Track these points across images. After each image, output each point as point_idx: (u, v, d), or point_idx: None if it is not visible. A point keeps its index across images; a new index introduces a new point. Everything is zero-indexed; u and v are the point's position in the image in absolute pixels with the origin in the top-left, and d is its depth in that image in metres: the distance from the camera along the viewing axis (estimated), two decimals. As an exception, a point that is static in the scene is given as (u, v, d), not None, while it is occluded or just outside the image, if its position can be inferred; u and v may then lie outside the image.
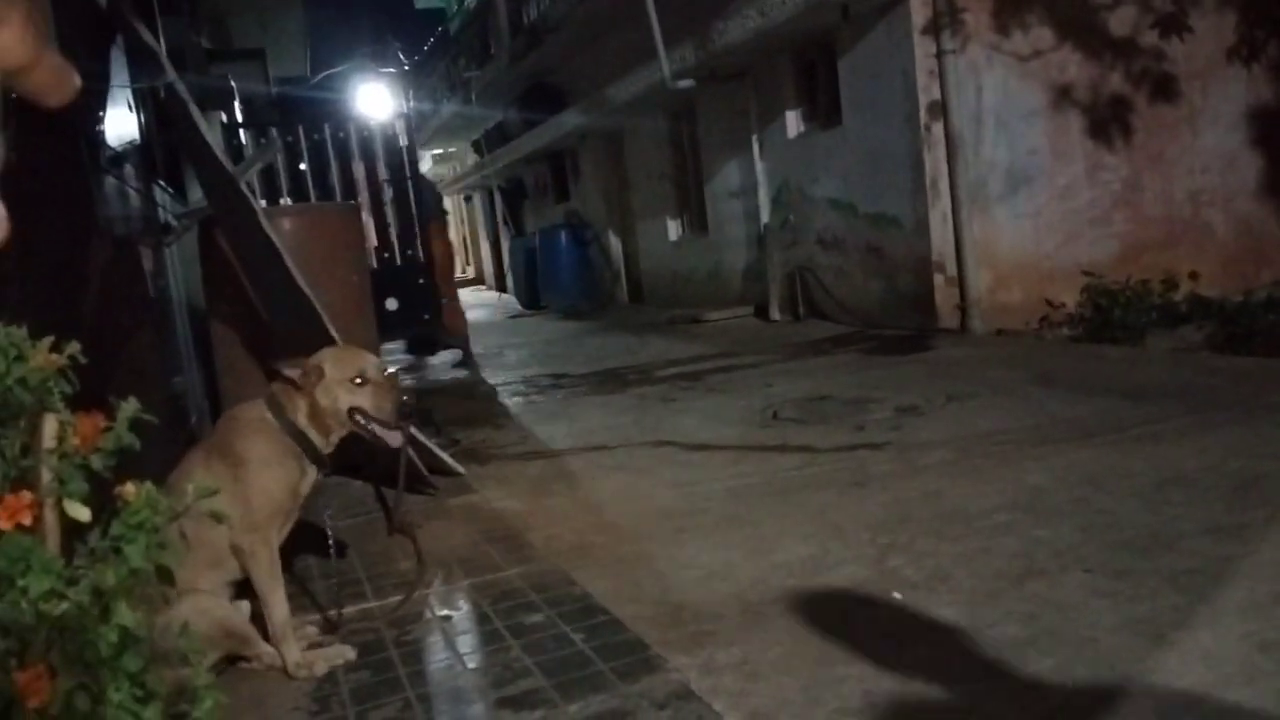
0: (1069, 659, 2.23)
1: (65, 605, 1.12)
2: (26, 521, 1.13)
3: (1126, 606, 2.48)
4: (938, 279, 7.86)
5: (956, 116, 7.65)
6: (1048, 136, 7.98)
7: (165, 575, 1.17)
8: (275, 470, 2.58)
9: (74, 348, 1.19)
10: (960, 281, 7.78)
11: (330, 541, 2.95)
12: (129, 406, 1.19)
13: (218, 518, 1.45)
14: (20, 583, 1.10)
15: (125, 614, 1.11)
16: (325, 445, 2.67)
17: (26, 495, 1.12)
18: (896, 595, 2.71)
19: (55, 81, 0.45)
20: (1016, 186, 7.94)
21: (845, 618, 2.64)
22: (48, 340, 1.18)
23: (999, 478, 3.76)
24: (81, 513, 1.15)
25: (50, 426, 1.16)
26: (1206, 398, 4.72)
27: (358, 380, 2.63)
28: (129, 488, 1.15)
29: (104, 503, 1.16)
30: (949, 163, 7.72)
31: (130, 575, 1.12)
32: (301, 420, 2.61)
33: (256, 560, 2.55)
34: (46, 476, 1.16)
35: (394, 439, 2.70)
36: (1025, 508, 3.36)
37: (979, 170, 7.81)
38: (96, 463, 1.17)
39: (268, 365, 2.81)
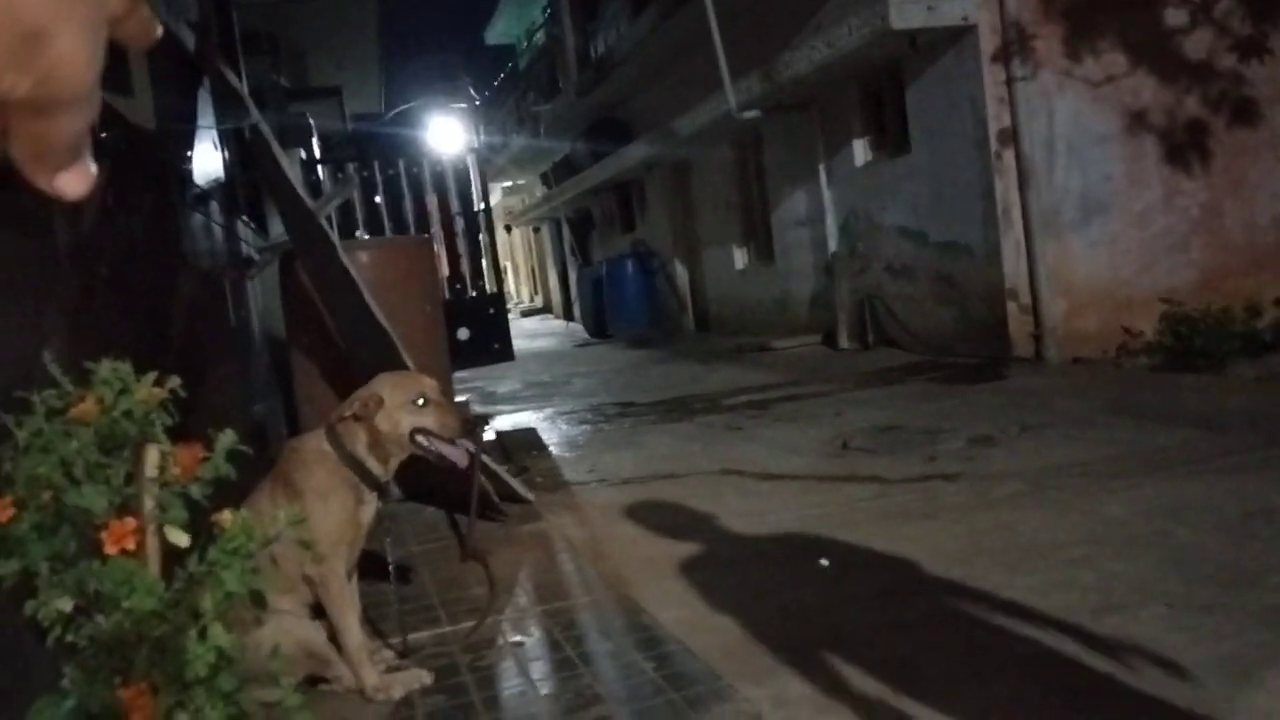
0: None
1: (165, 626, 1.17)
2: (130, 547, 1.19)
3: (1210, 643, 2.41)
4: (1011, 307, 7.74)
5: (1028, 143, 7.56)
6: (1123, 162, 7.84)
7: (258, 599, 1.22)
8: (332, 501, 2.61)
9: (174, 382, 1.26)
10: (1035, 309, 7.66)
11: (391, 568, 3.00)
12: (226, 439, 1.25)
13: (305, 545, 1.50)
14: (125, 604, 1.17)
15: (221, 635, 1.17)
16: (384, 473, 2.70)
17: (131, 522, 1.19)
18: (823, 561, 2.66)
19: (144, 31, 0.50)
20: (1091, 213, 7.81)
21: (919, 649, 2.61)
22: (151, 375, 1.25)
23: (1075, 510, 3.68)
24: (181, 539, 1.21)
25: (153, 456, 1.22)
26: (1294, 428, 4.58)
27: (419, 401, 2.66)
28: (226, 515, 1.21)
29: (201, 529, 1.22)
30: (1021, 190, 7.62)
31: (226, 598, 1.18)
32: (360, 450, 2.64)
33: (327, 589, 2.61)
34: (149, 504, 1.22)
35: (459, 457, 2.71)
36: (1103, 540, 3.29)
37: (1052, 197, 7.70)
38: (195, 491, 1.23)
39: (326, 415, 2.82)
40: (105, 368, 1.20)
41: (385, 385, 2.69)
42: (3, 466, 1.31)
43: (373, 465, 2.66)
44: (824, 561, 2.66)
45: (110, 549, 1.16)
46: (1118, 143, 7.81)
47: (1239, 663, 2.29)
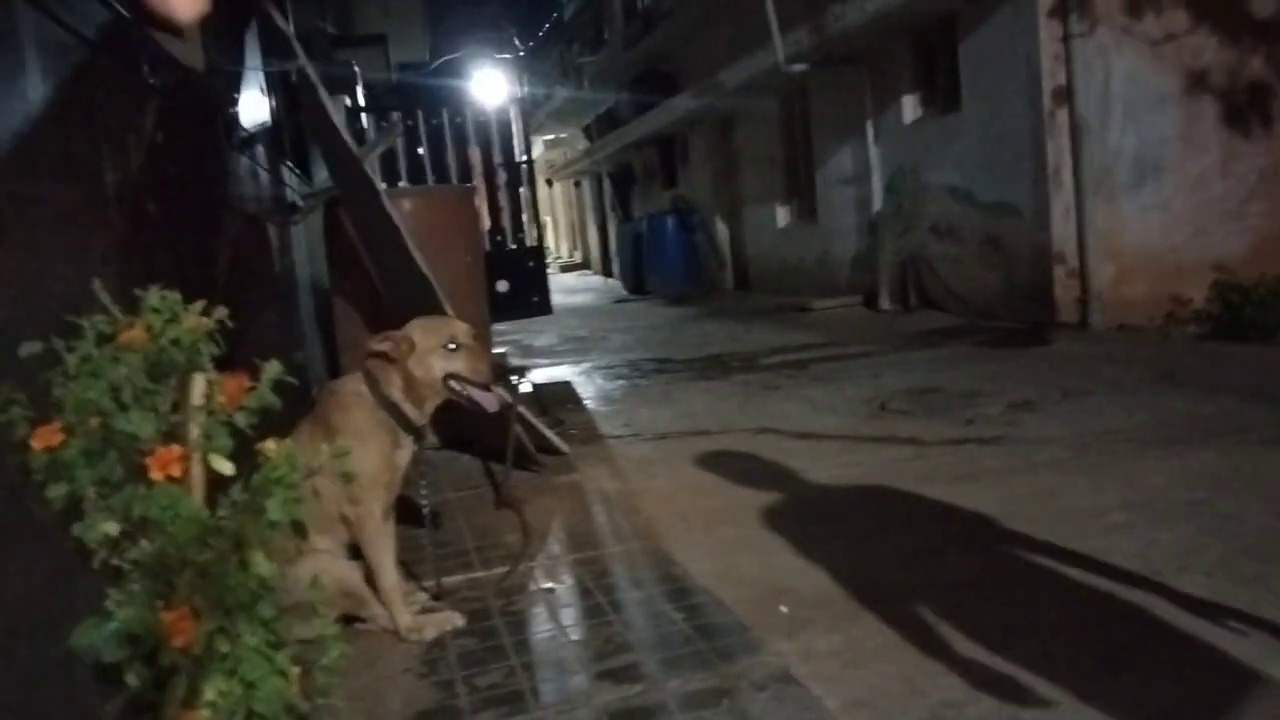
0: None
1: (208, 552, 1.20)
2: (175, 473, 1.21)
3: (1249, 613, 2.38)
4: (1058, 271, 7.62)
5: (1082, 102, 7.38)
6: (1180, 124, 7.63)
7: (299, 529, 1.24)
8: (369, 443, 2.63)
9: (221, 312, 1.27)
10: (1082, 274, 7.52)
11: (426, 513, 3.03)
12: (273, 368, 1.26)
13: (348, 478, 1.52)
14: (169, 529, 1.19)
15: (262, 564, 1.19)
16: (420, 416, 2.72)
17: (176, 449, 1.21)
18: (783, 609, 2.64)
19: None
20: (1144, 176, 7.62)
21: (949, 611, 2.60)
22: (199, 304, 1.26)
23: (1116, 477, 3.64)
24: (226, 467, 1.23)
25: (199, 385, 1.24)
26: (1346, 402, 4.48)
27: (450, 346, 2.67)
28: (270, 444, 1.22)
29: (245, 458, 1.24)
30: (1073, 151, 7.46)
31: (269, 527, 1.20)
32: (395, 393, 2.66)
33: (363, 529, 2.65)
34: (194, 432, 1.24)
35: (490, 402, 2.72)
36: (1143, 508, 3.25)
37: (1105, 159, 7.52)
38: (241, 420, 1.25)
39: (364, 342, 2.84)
40: (154, 295, 1.22)
41: (417, 329, 2.70)
42: (53, 392, 1.33)
43: (408, 409, 2.68)
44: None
45: (156, 475, 1.18)
46: (1176, 104, 7.60)
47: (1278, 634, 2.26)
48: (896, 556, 3.03)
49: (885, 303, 9.98)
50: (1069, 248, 7.58)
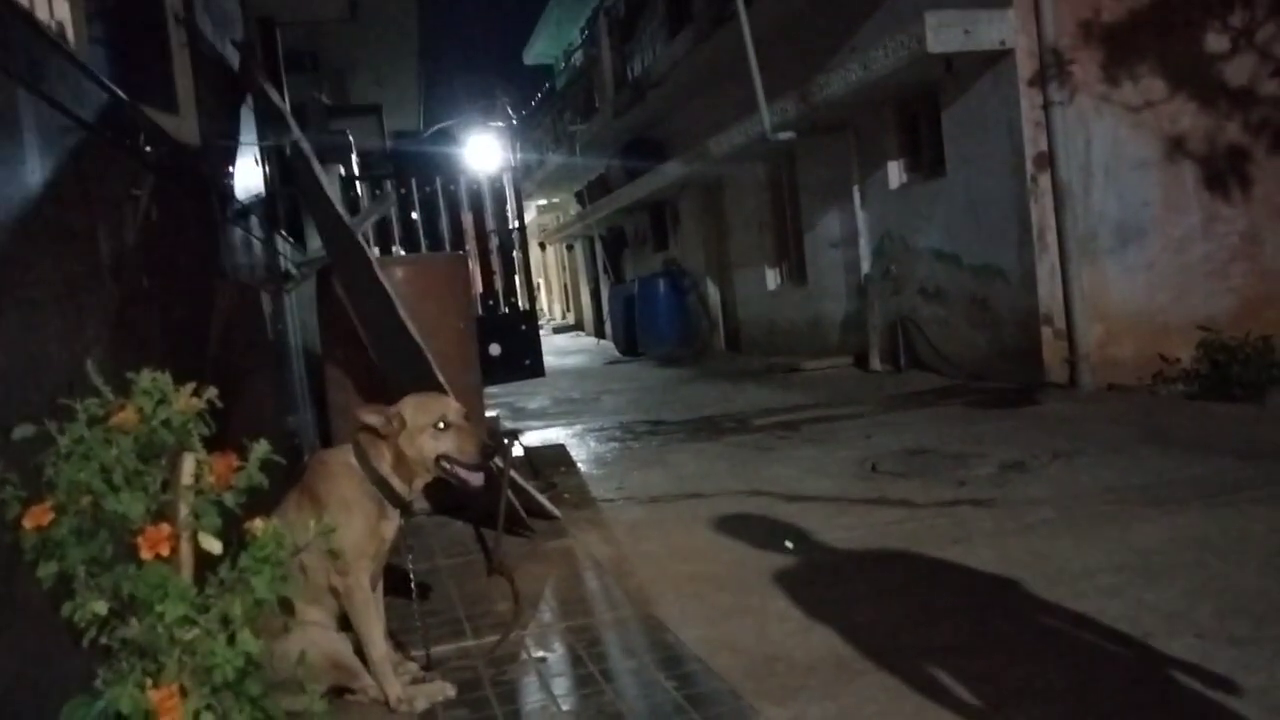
0: (1178, 729, 2.16)
1: (196, 631, 1.20)
2: (165, 552, 1.22)
3: (1241, 675, 2.38)
4: (1045, 332, 7.69)
5: (1064, 168, 7.52)
6: (1161, 188, 7.77)
7: (287, 606, 1.25)
8: (355, 514, 2.63)
9: (211, 393, 1.29)
10: (1069, 335, 7.59)
11: (412, 584, 3.02)
12: (261, 448, 1.28)
13: (334, 555, 1.53)
14: (157, 608, 1.20)
15: (250, 641, 1.19)
16: (408, 492, 2.72)
17: (165, 528, 1.22)
18: (788, 545, 2.65)
19: None
20: (1128, 239, 7.74)
21: (944, 675, 2.59)
22: (190, 386, 1.28)
23: (1107, 538, 3.65)
24: (214, 545, 1.24)
25: (189, 465, 1.26)
26: (1333, 460, 4.50)
27: (440, 425, 2.68)
28: (257, 523, 1.24)
29: (233, 537, 1.25)
30: (1057, 214, 7.58)
31: (256, 605, 1.21)
32: (384, 468, 2.67)
33: (351, 600, 2.64)
34: (184, 511, 1.26)
35: (476, 479, 2.72)
36: (1134, 569, 3.26)
37: (1088, 222, 7.64)
38: (229, 500, 1.27)
39: (354, 410, 2.85)
40: (146, 378, 1.24)
41: (409, 406, 2.71)
42: (44, 472, 1.35)
43: (397, 484, 2.69)
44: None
45: (145, 554, 1.20)
46: (1156, 168, 7.75)
47: (1271, 696, 2.26)
48: (890, 620, 3.02)
49: (876, 363, 10.03)
50: (1055, 309, 7.66)
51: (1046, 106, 7.53)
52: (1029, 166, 7.63)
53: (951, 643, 2.80)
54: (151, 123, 2.79)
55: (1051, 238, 7.63)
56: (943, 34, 7.61)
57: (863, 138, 10.30)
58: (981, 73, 8.01)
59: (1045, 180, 7.61)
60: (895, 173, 9.91)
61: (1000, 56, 7.73)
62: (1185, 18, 7.72)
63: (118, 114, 2.49)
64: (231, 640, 1.20)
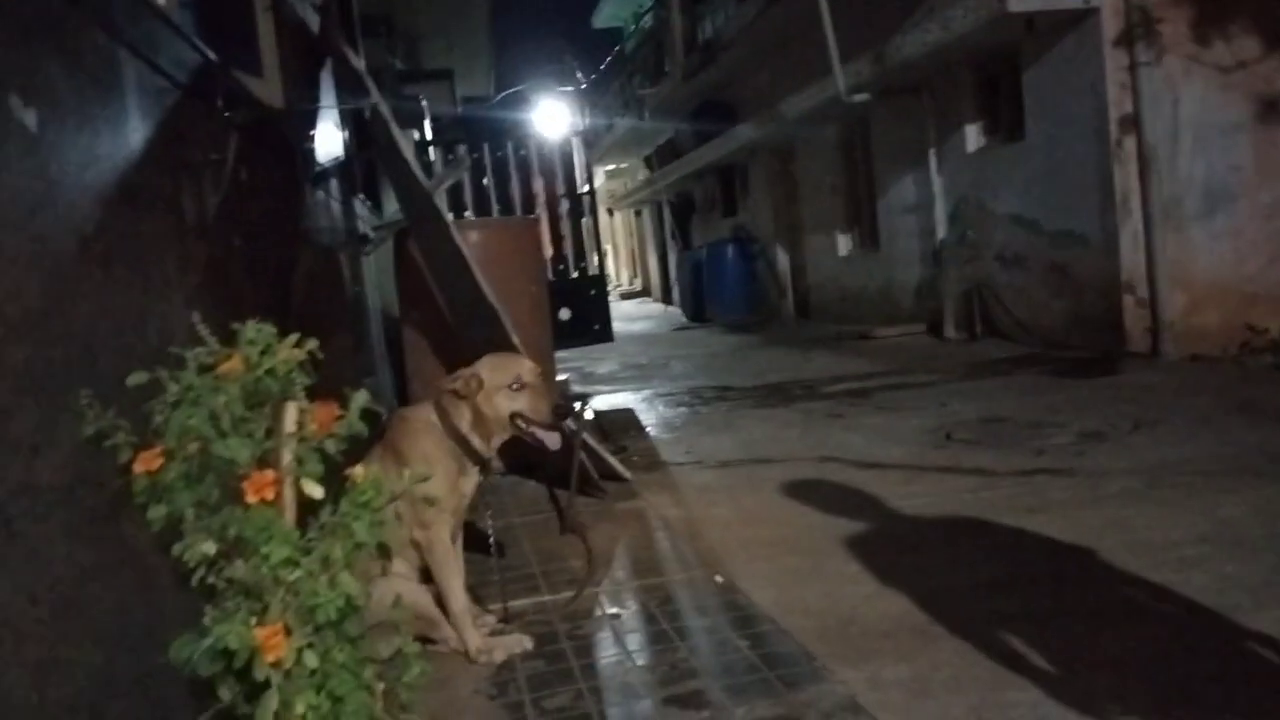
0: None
1: (299, 572, 1.26)
2: (269, 497, 1.28)
3: (1330, 651, 2.33)
4: (1127, 300, 7.49)
5: (1150, 131, 7.28)
6: (1252, 151, 7.48)
7: (384, 550, 1.29)
8: (436, 470, 2.69)
9: (313, 344, 1.34)
10: (1152, 303, 7.39)
11: (491, 541, 3.09)
12: (361, 397, 1.32)
13: (429, 502, 1.58)
14: (263, 550, 1.25)
15: (350, 583, 1.24)
16: (487, 450, 2.79)
17: (270, 473, 1.27)
18: (718, 578, 2.65)
19: None
20: (1215, 204, 7.48)
21: (1018, 643, 2.58)
22: (293, 336, 1.33)
23: (1190, 509, 3.57)
24: (316, 491, 1.29)
25: (292, 413, 1.30)
26: None
27: (515, 386, 2.74)
28: (358, 470, 1.28)
29: (333, 483, 1.30)
30: (1141, 179, 7.36)
31: (355, 548, 1.25)
32: (464, 426, 2.74)
33: (432, 553, 2.72)
34: (287, 457, 1.31)
35: (553, 440, 2.78)
36: (1218, 541, 3.19)
37: (1174, 187, 7.40)
38: (330, 446, 1.31)
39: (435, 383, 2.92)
40: (251, 329, 1.29)
41: (485, 367, 2.78)
42: (153, 419, 1.41)
43: (476, 442, 2.76)
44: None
45: (251, 498, 1.25)
46: (1247, 131, 7.46)
47: (1361, 671, 2.20)
48: (964, 587, 3.00)
49: (950, 331, 9.89)
50: (1138, 276, 7.45)
51: (1133, 67, 7.29)
52: (1113, 130, 7.41)
53: (1027, 611, 2.78)
54: (240, 85, 2.86)
55: (1135, 203, 7.41)
56: (1025, -8, 7.40)
57: (939, 100, 10.08)
58: (1064, 33, 7.77)
59: (1130, 144, 7.38)
60: (973, 136, 9.69)
61: (1084, 15, 7.49)
62: (1283, -28, 7.40)
63: (209, 77, 2.55)
64: (333, 582, 1.25)
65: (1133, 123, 7.34)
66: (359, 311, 5.41)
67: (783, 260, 15.71)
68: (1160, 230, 7.32)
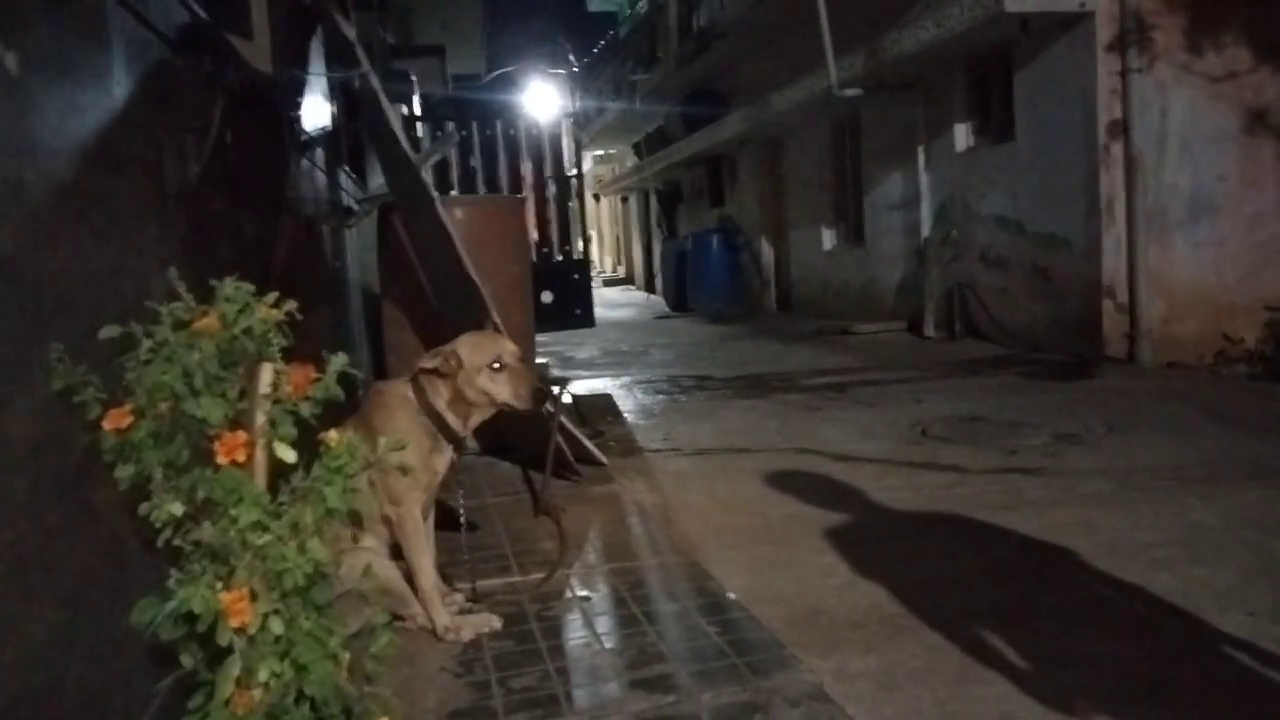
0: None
1: (267, 536, 1.24)
2: (240, 459, 1.25)
3: (1293, 656, 2.35)
4: (1107, 305, 7.53)
5: (1138, 137, 7.32)
6: (1238, 162, 7.54)
7: (356, 518, 1.27)
8: (409, 445, 2.67)
9: (291, 305, 1.31)
10: (1131, 309, 7.44)
11: (461, 519, 3.07)
12: (338, 360, 1.30)
13: (404, 470, 1.56)
14: (232, 512, 1.23)
15: (319, 550, 1.23)
16: (462, 429, 2.76)
17: (242, 434, 1.25)
18: (731, 595, 2.68)
19: None
20: (1199, 214, 7.53)
21: (986, 638, 2.59)
22: (272, 296, 1.31)
23: (1159, 513, 3.60)
24: (288, 454, 1.27)
25: (267, 374, 1.28)
26: (1401, 449, 4.38)
27: (495, 365, 2.71)
28: (332, 434, 1.26)
29: (307, 448, 1.28)
30: (1127, 185, 7.39)
31: (327, 514, 1.23)
32: (441, 403, 2.71)
33: (403, 528, 2.69)
34: (260, 419, 1.28)
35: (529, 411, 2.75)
36: (1186, 544, 3.21)
37: (1159, 195, 7.44)
38: (305, 410, 1.29)
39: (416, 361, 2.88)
40: (229, 286, 1.27)
41: (466, 345, 2.73)
42: (125, 376, 1.39)
43: (452, 420, 2.72)
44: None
45: (222, 459, 1.23)
46: (1234, 142, 7.51)
47: (1323, 678, 2.22)
48: (934, 582, 3.01)
49: (930, 329, 9.92)
50: (1119, 282, 7.50)
51: (1124, 73, 7.32)
52: (1101, 135, 7.44)
53: (997, 606, 2.79)
54: (230, 46, 2.81)
55: (1120, 209, 7.45)
56: (1022, -7, 7.41)
57: (931, 98, 10.09)
58: (1058, 35, 7.79)
59: (1118, 150, 7.41)
60: (962, 135, 9.71)
61: (1079, 19, 7.51)
62: (1276, -15, 7.44)
63: (198, 35, 2.51)
64: (302, 548, 1.23)
65: (1121, 128, 7.37)
66: (339, 283, 5.36)
67: (767, 252, 15.71)
68: (1143, 237, 7.37)
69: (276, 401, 1.28)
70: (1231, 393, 6.20)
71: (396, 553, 2.78)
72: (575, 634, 2.76)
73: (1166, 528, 3.41)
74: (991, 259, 9.09)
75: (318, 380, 1.32)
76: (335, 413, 1.52)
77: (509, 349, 2.78)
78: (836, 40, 9.99)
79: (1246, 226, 7.57)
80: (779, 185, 15.17)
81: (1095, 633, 2.57)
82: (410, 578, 2.74)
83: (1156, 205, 7.43)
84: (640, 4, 23.96)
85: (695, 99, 16.85)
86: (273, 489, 1.30)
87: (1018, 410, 5.76)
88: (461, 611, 2.84)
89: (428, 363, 2.71)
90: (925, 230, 10.24)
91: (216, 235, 2.55)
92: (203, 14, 2.41)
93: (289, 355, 1.43)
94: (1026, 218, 8.49)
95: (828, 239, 13.45)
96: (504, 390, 2.70)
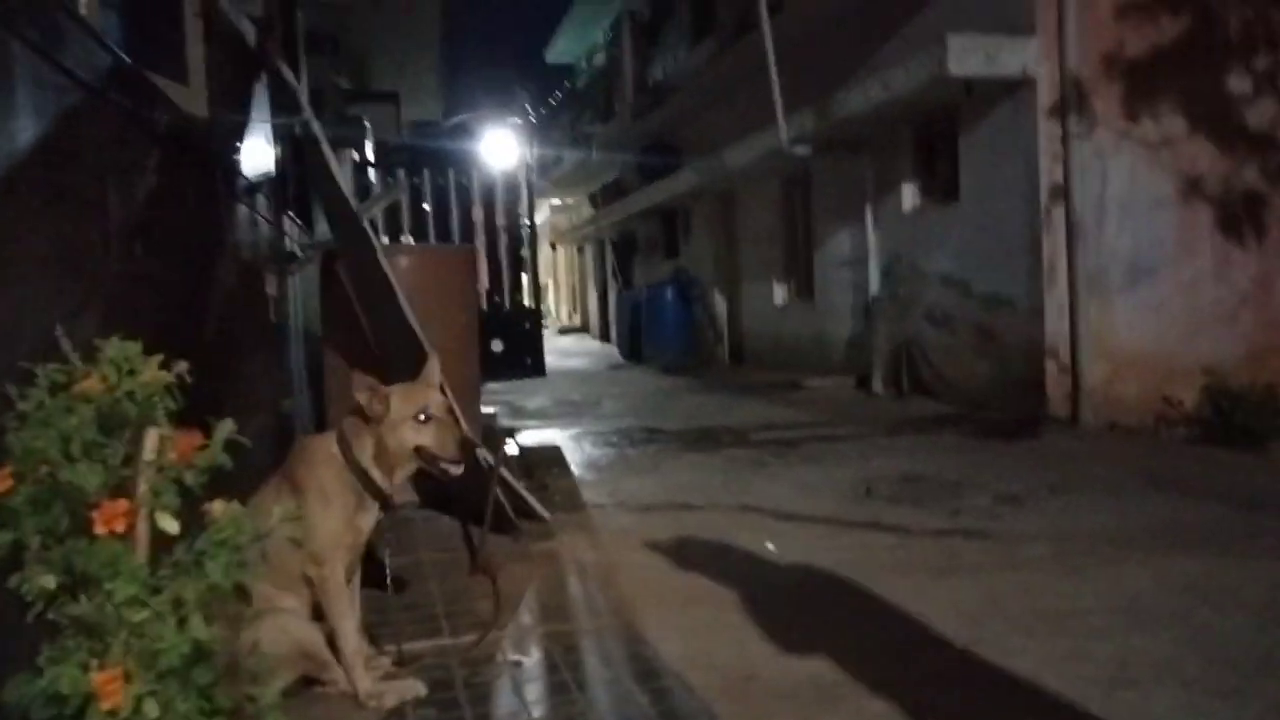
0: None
1: (146, 613, 1.16)
2: (120, 529, 1.18)
3: (1227, 731, 2.33)
4: (1050, 366, 7.62)
5: (1079, 201, 7.47)
6: (1175, 228, 7.71)
7: (243, 594, 1.20)
8: (333, 503, 2.59)
9: (181, 367, 1.24)
10: (1074, 370, 7.53)
11: (388, 577, 2.97)
12: (224, 427, 1.23)
13: (296, 542, 1.49)
14: (107, 586, 1.15)
15: (200, 627, 1.15)
16: (389, 485, 2.68)
17: (122, 503, 1.18)
18: (770, 546, 2.63)
19: None
20: (1139, 277, 7.68)
21: (921, 708, 2.54)
22: (157, 357, 1.24)
23: (1098, 579, 3.59)
24: (171, 525, 1.19)
25: (151, 440, 1.21)
26: (1333, 514, 4.44)
27: (421, 417, 2.64)
28: (217, 505, 1.19)
29: (192, 518, 1.21)
30: (1069, 248, 7.52)
31: (209, 590, 1.16)
32: (366, 458, 2.62)
33: (324, 590, 2.59)
34: (142, 487, 1.21)
35: (456, 468, 2.67)
36: (1123, 613, 3.20)
37: (1100, 258, 7.58)
38: (190, 478, 1.22)
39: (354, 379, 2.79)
40: (113, 346, 1.20)
41: (396, 393, 2.66)
42: (5, 437, 1.31)
43: (377, 475, 2.64)
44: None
45: (100, 529, 1.15)
46: (1171, 208, 7.69)
47: (1255, 753, 2.20)
48: (871, 648, 2.96)
49: (878, 385, 9.97)
50: (1062, 343, 7.60)
51: (1065, 138, 7.48)
52: (1043, 198, 7.58)
53: (928, 675, 2.75)
54: (158, 90, 2.75)
55: (1062, 271, 7.57)
56: (965, 57, 7.57)
57: (879, 158, 10.25)
58: (1001, 100, 7.96)
59: (1059, 213, 7.55)
60: (909, 195, 9.86)
61: (1021, 85, 7.68)
62: (1209, 57, 7.67)
63: (122, 79, 2.44)
64: (182, 625, 1.15)
65: (1062, 192, 7.52)
66: (281, 332, 5.26)
67: (720, 305, 15.78)
68: (1085, 299, 7.48)
69: (160, 469, 1.21)
70: (1171, 457, 6.28)
71: (319, 613, 2.68)
72: (503, 702, 2.67)
73: (1104, 594, 3.40)
74: (938, 317, 9.18)
75: (204, 447, 1.25)
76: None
77: (437, 400, 2.71)
78: (787, 98, 10.15)
79: (1184, 291, 7.73)
80: (732, 238, 15.29)
81: (1029, 706, 2.53)
82: (333, 640, 2.64)
83: (1098, 268, 7.57)
84: (597, 57, 24.27)
85: (650, 151, 17.02)
86: (155, 562, 1.22)
87: (962, 469, 5.77)
88: (386, 676, 2.74)
89: (362, 393, 2.63)
90: (873, 287, 10.34)
91: (138, 287, 2.47)
92: (125, 57, 2.35)
93: (219, 412, 1.36)
94: (972, 277, 8.60)
95: (779, 293, 13.54)
96: (429, 442, 2.63)
